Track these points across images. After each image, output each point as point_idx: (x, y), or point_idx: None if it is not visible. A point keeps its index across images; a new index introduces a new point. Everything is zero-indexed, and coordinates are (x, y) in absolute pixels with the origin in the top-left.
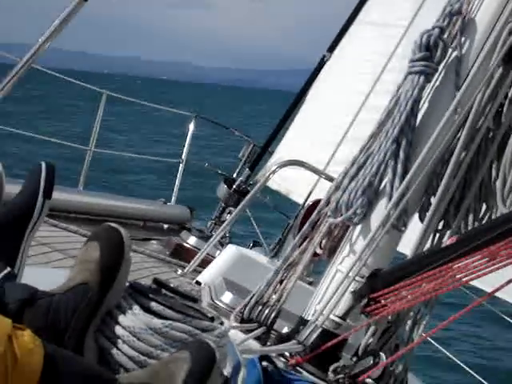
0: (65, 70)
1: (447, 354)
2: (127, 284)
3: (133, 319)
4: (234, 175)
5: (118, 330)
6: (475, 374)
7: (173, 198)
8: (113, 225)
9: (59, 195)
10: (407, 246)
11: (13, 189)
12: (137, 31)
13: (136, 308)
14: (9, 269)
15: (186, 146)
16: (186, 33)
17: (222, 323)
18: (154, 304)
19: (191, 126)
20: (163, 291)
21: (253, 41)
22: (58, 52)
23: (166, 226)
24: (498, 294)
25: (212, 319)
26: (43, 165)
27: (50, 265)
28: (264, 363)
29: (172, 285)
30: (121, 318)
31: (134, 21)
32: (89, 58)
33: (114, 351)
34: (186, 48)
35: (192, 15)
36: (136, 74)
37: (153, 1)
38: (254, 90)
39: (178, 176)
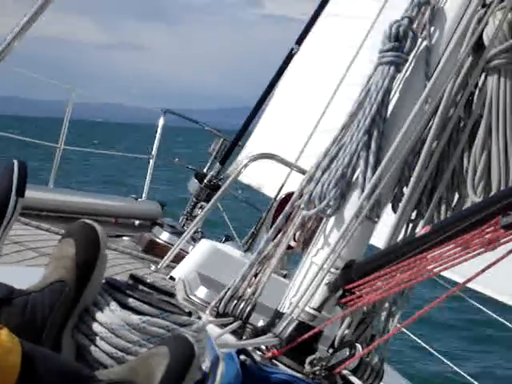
0: None
1: (422, 344)
2: (103, 280)
3: (110, 315)
4: (205, 170)
5: (96, 326)
6: (449, 362)
7: (144, 194)
8: (88, 221)
9: (30, 193)
10: (379, 238)
11: None
12: (66, 73)
13: (113, 304)
14: None
15: (156, 141)
16: (118, 74)
17: (199, 318)
18: (130, 300)
19: (161, 121)
20: (140, 287)
21: (188, 81)
22: None
23: (137, 222)
24: (471, 285)
25: (189, 314)
26: (15, 163)
27: (23, 263)
28: (242, 357)
29: (148, 280)
30: (98, 315)
31: (62, 62)
32: (19, 103)
33: (92, 348)
34: (118, 90)
35: (124, 56)
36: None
37: (82, 42)
38: (191, 130)
39: (149, 171)
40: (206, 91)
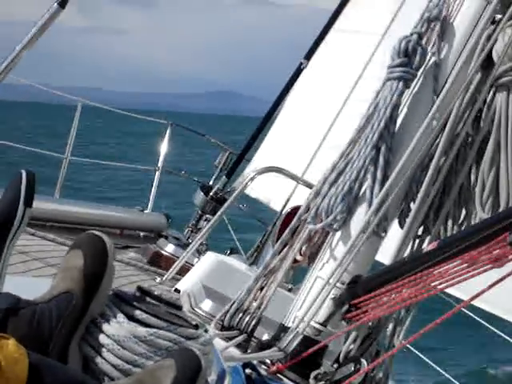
0: None
1: (427, 360)
2: (111, 292)
3: (117, 327)
4: (211, 182)
5: (103, 338)
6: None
7: (149, 206)
8: (96, 232)
9: (36, 203)
10: (385, 254)
11: None
12: (46, 58)
13: (120, 316)
14: None
15: (162, 153)
16: (97, 58)
17: (206, 331)
18: (138, 312)
19: (167, 133)
20: (147, 299)
21: (166, 65)
22: None
23: (142, 233)
24: (476, 303)
25: (196, 327)
26: (23, 173)
27: (29, 273)
28: (247, 370)
29: (156, 292)
30: (105, 327)
31: (42, 49)
32: None
33: (99, 360)
34: (96, 74)
35: (103, 41)
36: (46, 101)
37: (61, 27)
38: (172, 113)
39: (155, 184)
40: (191, 75)
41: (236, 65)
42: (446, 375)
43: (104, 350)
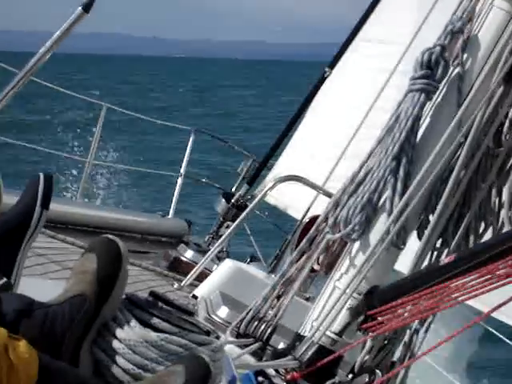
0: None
1: (444, 373)
2: (124, 296)
3: (129, 332)
4: (233, 189)
5: (114, 342)
6: None
7: (171, 212)
8: (110, 236)
9: (57, 206)
10: (401, 262)
11: (11, 199)
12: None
13: (132, 321)
14: (5, 279)
15: (185, 159)
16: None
17: (217, 337)
18: (149, 317)
19: (190, 139)
20: (159, 304)
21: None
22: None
23: (163, 239)
24: (495, 315)
25: (208, 333)
26: (41, 175)
27: (46, 276)
28: (260, 378)
29: (168, 298)
30: (117, 331)
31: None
32: (159, 43)
33: (110, 364)
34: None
35: None
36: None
37: None
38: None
39: (177, 189)
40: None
41: None
42: None
43: (115, 354)
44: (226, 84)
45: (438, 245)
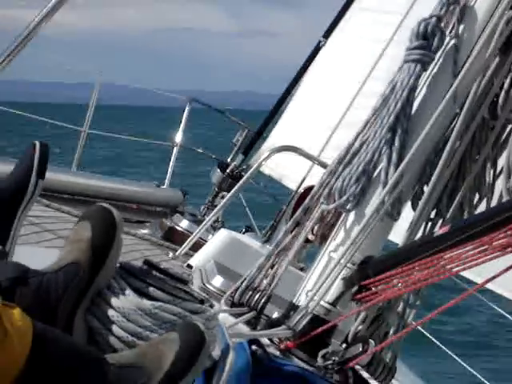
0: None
1: (436, 342)
2: (118, 265)
3: (123, 300)
4: (228, 160)
5: (108, 310)
6: (463, 363)
7: (166, 182)
8: (105, 205)
9: (53, 175)
10: (396, 232)
11: (7, 169)
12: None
13: (126, 289)
14: (0, 247)
15: (181, 129)
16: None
17: (212, 306)
18: (143, 285)
19: (186, 109)
20: (154, 272)
21: None
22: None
23: (158, 208)
24: (489, 286)
25: (202, 301)
26: (37, 144)
27: (41, 244)
28: (253, 347)
29: (162, 266)
30: (111, 299)
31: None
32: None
33: (103, 331)
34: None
35: (252, 43)
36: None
37: (215, 34)
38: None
39: (172, 159)
40: None
41: None
42: (458, 359)
43: (109, 321)
44: None
45: (432, 216)
